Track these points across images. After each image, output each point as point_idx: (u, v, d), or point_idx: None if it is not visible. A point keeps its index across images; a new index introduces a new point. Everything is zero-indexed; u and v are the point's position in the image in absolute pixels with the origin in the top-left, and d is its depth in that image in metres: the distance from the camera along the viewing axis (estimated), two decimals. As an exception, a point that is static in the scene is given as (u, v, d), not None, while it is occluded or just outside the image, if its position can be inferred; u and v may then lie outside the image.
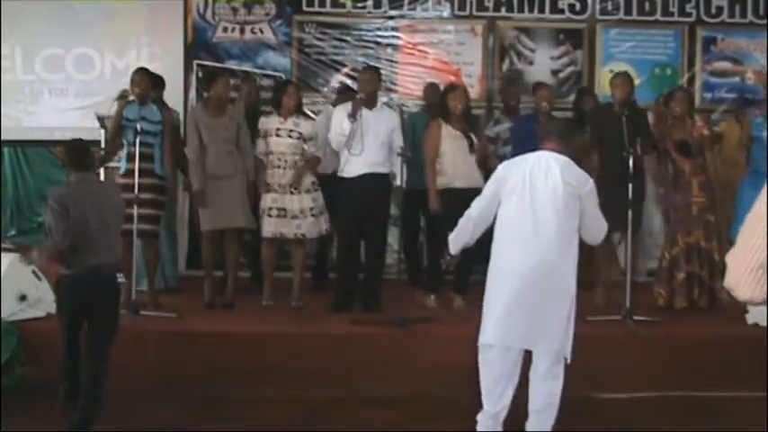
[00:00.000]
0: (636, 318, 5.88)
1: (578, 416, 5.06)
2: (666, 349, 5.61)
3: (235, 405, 5.14)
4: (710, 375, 5.43)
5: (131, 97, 6.28)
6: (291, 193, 6.32)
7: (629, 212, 5.98)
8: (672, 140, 6.40)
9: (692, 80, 8.25)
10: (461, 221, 4.61)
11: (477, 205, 4.57)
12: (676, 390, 5.37)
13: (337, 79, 8.10)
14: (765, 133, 6.65)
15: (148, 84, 6.37)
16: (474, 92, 8.09)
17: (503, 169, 4.53)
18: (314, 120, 6.74)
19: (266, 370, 5.37)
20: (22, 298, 5.59)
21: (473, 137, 6.38)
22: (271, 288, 6.51)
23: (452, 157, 6.31)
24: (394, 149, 6.23)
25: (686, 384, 5.39)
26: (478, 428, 4.44)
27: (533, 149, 6.56)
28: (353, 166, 6.30)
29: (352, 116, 6.15)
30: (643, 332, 5.77)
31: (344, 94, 7.38)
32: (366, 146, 6.22)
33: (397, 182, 6.18)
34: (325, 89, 8.11)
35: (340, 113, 6.34)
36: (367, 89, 6.32)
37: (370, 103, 6.33)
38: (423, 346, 5.51)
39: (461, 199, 6.28)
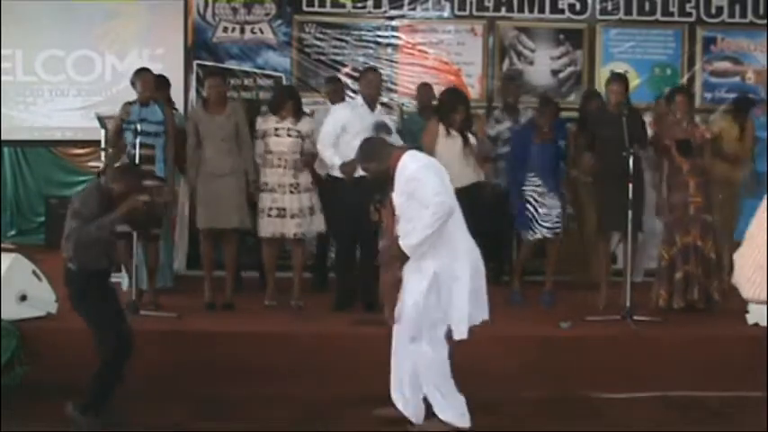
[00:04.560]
0: (636, 318, 5.87)
1: (578, 416, 5.06)
2: (666, 349, 5.61)
3: (235, 405, 5.14)
4: (710, 375, 5.42)
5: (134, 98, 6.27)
6: (291, 192, 6.32)
7: (629, 212, 5.99)
8: (673, 139, 6.40)
9: (692, 80, 8.24)
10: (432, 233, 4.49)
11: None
12: (676, 390, 5.37)
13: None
14: (766, 133, 6.64)
15: (153, 85, 6.36)
16: (474, 92, 8.09)
17: None
18: (311, 117, 6.72)
19: (266, 370, 5.37)
20: (23, 298, 5.59)
21: (469, 136, 6.39)
22: (273, 288, 6.51)
23: (448, 158, 6.30)
24: None
25: (686, 384, 5.39)
26: None
27: (528, 157, 6.66)
28: None
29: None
30: (643, 332, 5.76)
31: (334, 84, 7.41)
32: None
33: None
34: (326, 90, 8.09)
35: (339, 113, 6.32)
36: (370, 91, 6.32)
37: (372, 104, 6.32)
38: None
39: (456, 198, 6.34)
